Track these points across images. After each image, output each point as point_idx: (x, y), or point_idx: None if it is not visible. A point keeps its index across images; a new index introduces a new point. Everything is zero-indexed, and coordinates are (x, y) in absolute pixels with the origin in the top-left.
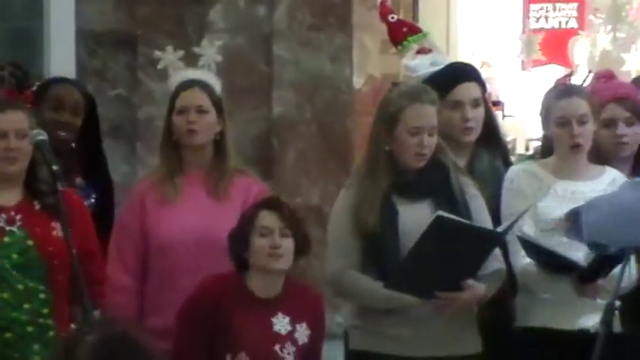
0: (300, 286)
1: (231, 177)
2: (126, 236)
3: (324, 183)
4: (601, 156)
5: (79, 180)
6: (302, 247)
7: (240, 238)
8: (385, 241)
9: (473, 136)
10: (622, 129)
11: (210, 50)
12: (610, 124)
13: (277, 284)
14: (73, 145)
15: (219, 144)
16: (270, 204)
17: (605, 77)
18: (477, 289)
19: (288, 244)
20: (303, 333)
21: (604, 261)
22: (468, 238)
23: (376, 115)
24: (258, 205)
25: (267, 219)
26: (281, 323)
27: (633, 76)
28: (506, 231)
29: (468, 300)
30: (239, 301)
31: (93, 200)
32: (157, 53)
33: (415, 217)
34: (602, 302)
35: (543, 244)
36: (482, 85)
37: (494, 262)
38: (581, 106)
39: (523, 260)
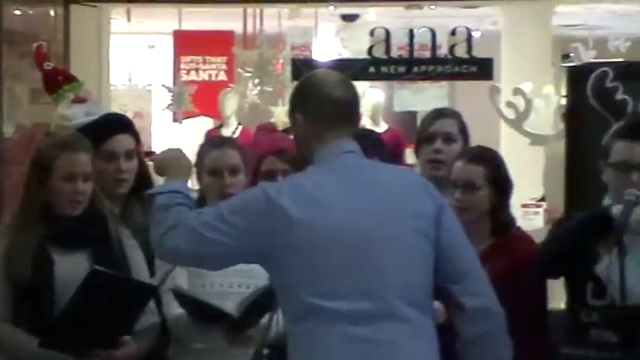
0: None
1: None
2: None
3: None
4: None
5: None
6: None
7: None
8: (39, 292)
9: (125, 188)
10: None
11: None
12: (269, 175)
13: None
14: None
15: None
16: None
17: (267, 130)
18: (131, 346)
19: None
20: None
21: (253, 311)
22: (124, 292)
23: (29, 166)
24: None
25: None
26: None
27: (280, 128)
28: (161, 282)
29: (123, 357)
30: None
31: None
32: None
33: (72, 268)
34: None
35: (195, 296)
36: (135, 136)
37: (150, 316)
38: (233, 156)
39: (175, 311)
